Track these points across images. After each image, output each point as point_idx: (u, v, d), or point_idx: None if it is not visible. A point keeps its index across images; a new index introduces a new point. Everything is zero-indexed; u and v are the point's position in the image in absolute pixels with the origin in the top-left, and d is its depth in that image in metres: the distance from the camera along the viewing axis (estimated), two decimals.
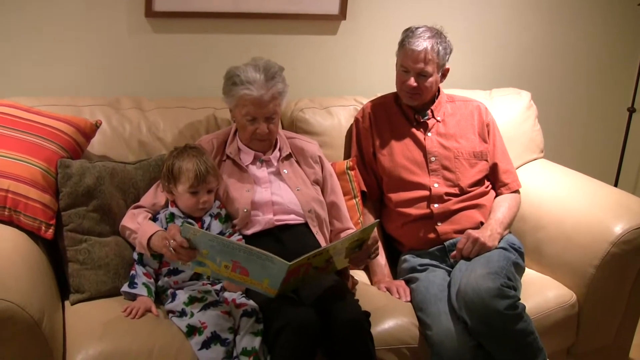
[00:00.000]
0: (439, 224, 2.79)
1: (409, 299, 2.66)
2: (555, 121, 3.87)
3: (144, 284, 2.44)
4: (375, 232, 2.44)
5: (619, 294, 2.82)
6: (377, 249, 2.51)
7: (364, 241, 2.41)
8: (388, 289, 2.71)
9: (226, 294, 2.42)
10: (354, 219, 2.86)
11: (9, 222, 2.43)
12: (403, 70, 2.84)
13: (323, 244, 2.64)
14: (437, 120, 2.91)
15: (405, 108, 2.93)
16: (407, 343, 2.48)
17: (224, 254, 2.17)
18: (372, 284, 2.80)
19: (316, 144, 2.87)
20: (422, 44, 2.77)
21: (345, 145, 3.07)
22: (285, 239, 2.56)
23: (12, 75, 2.93)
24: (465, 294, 2.42)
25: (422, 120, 2.90)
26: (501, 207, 2.85)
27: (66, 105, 2.78)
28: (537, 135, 3.39)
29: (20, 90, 2.84)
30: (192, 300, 2.37)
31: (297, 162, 2.76)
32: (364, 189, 2.94)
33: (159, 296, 2.49)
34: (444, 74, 2.88)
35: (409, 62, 2.80)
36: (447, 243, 2.78)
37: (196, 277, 2.49)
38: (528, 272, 2.85)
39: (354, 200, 2.91)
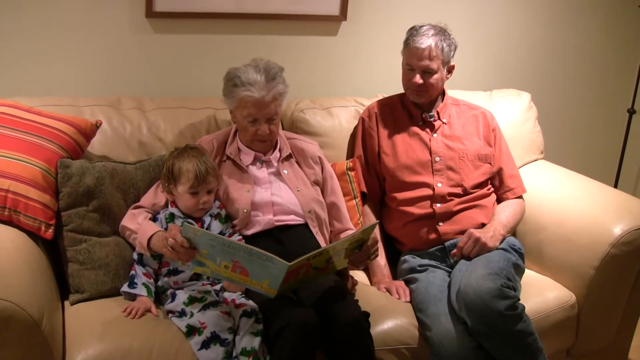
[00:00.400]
0: (441, 223, 2.79)
1: (408, 299, 2.66)
2: (555, 122, 3.87)
3: (143, 284, 2.44)
4: (375, 233, 2.44)
5: (618, 295, 2.82)
6: (377, 249, 2.51)
7: (364, 242, 2.41)
8: (388, 290, 2.71)
9: (226, 294, 2.42)
10: (353, 219, 2.86)
11: (9, 222, 2.43)
12: (409, 69, 2.86)
13: (323, 244, 2.64)
14: (443, 122, 2.92)
15: (412, 108, 2.93)
16: (407, 344, 2.48)
17: (224, 254, 2.17)
18: (371, 284, 2.81)
19: (316, 145, 2.88)
20: (426, 41, 2.79)
21: (348, 145, 3.08)
22: (285, 239, 2.56)
23: (13, 75, 2.93)
24: (465, 295, 2.42)
25: (429, 119, 2.90)
26: (506, 210, 2.85)
27: (66, 105, 2.78)
28: (537, 136, 3.39)
29: (21, 90, 2.84)
30: (191, 300, 2.38)
31: (297, 162, 2.77)
32: (364, 189, 2.94)
33: (159, 296, 2.49)
34: (450, 71, 2.89)
35: (414, 60, 2.82)
36: (447, 243, 2.78)
37: (196, 277, 2.49)
38: (528, 273, 2.85)
39: (354, 201, 2.91)
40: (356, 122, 3.07)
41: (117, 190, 2.59)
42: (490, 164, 2.91)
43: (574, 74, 3.96)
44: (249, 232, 2.58)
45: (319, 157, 2.82)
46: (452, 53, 2.86)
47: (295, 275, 2.20)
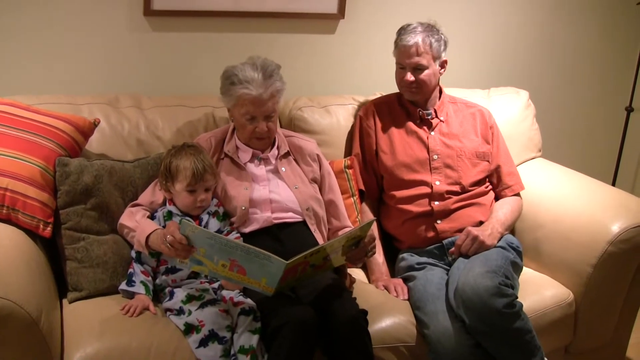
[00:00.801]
0: (439, 221, 2.79)
1: (406, 297, 2.66)
2: (553, 120, 3.87)
3: (142, 282, 2.44)
4: (372, 230, 2.45)
5: (616, 293, 2.82)
6: (374, 247, 2.51)
7: (361, 239, 2.41)
8: (386, 287, 2.71)
9: (224, 292, 2.43)
10: (351, 217, 2.86)
11: (7, 221, 2.43)
12: (400, 67, 2.89)
13: (321, 242, 2.64)
14: (441, 120, 2.92)
15: (409, 106, 2.94)
16: (405, 341, 2.49)
17: (221, 253, 2.17)
18: (370, 282, 2.81)
19: (314, 143, 2.88)
20: (414, 38, 2.81)
21: (346, 143, 3.08)
22: (283, 237, 2.57)
23: (11, 73, 2.93)
24: (463, 292, 2.42)
25: (426, 116, 2.90)
26: (503, 208, 2.86)
27: (65, 103, 2.78)
28: (535, 134, 3.39)
29: (19, 88, 2.83)
30: (189, 298, 2.38)
31: (296, 160, 2.77)
32: (362, 187, 2.95)
33: (157, 294, 2.49)
34: (443, 66, 2.90)
35: (404, 58, 2.85)
36: (445, 241, 2.78)
37: (194, 275, 2.49)
38: (526, 270, 2.85)
39: (351, 198, 2.91)
40: (354, 120, 3.07)
41: (115, 189, 2.59)
42: (488, 161, 2.92)
43: (572, 72, 3.96)
44: (247, 229, 2.59)
45: (317, 155, 2.82)
46: (442, 48, 2.86)
47: (293, 273, 2.21)
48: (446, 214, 2.81)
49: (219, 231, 2.54)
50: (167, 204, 2.55)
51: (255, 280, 2.20)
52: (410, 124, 2.92)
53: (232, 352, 2.26)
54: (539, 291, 2.74)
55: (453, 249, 2.73)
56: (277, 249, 2.32)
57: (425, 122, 2.93)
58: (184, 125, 2.91)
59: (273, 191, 2.65)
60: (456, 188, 2.84)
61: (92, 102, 2.84)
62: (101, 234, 2.55)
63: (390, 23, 2.93)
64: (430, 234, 2.80)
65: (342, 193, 2.86)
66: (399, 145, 2.90)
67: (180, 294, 2.41)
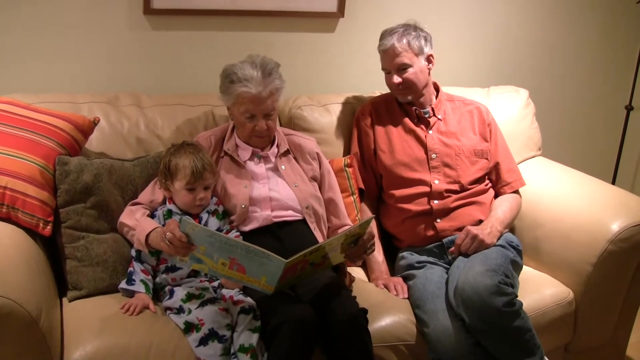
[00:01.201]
0: (438, 220, 2.79)
1: (406, 295, 2.66)
2: (553, 119, 3.87)
3: (141, 280, 2.44)
4: (371, 228, 2.45)
5: (616, 292, 2.82)
6: (373, 244, 2.51)
7: (360, 236, 2.41)
8: (386, 286, 2.71)
9: (224, 291, 2.43)
10: (351, 216, 2.86)
11: (7, 219, 2.43)
12: (386, 73, 2.92)
13: (321, 240, 2.64)
14: (438, 119, 2.92)
15: (406, 105, 2.94)
16: (405, 340, 2.49)
17: (221, 251, 2.17)
18: (369, 280, 2.81)
19: (314, 141, 2.88)
20: (389, 41, 2.84)
21: (345, 142, 3.08)
22: (283, 235, 2.57)
23: (11, 72, 2.93)
24: (463, 291, 2.42)
25: (423, 115, 2.90)
26: (502, 206, 2.86)
27: (64, 102, 2.78)
28: (534, 133, 3.39)
29: (19, 87, 2.84)
30: (189, 297, 2.38)
31: (295, 158, 2.77)
32: (362, 186, 2.95)
33: (157, 293, 2.49)
34: (429, 61, 2.90)
35: (385, 62, 2.89)
36: (445, 240, 2.78)
37: (194, 274, 2.49)
38: (526, 269, 2.85)
39: (351, 197, 2.91)
40: (354, 119, 3.07)
41: (115, 187, 2.59)
42: (486, 159, 2.92)
43: (571, 71, 3.96)
44: (247, 228, 2.59)
45: (317, 153, 2.82)
46: (423, 43, 2.86)
47: (292, 271, 2.21)
48: (445, 212, 2.81)
49: (219, 230, 2.54)
50: (167, 202, 2.55)
51: (255, 279, 2.20)
52: (409, 123, 2.92)
53: (232, 350, 2.26)
54: (539, 290, 2.73)
55: (453, 248, 2.73)
56: (276, 248, 2.32)
57: (423, 121, 2.93)
58: (183, 124, 2.91)
59: (273, 189, 2.65)
60: (455, 187, 2.84)
61: (92, 101, 2.84)
62: (101, 233, 2.55)
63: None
64: (430, 232, 2.80)
65: (342, 192, 2.86)
66: (398, 144, 2.90)
67: (180, 292, 2.41)
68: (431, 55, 2.90)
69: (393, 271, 2.84)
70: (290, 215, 2.63)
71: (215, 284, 2.48)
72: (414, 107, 2.92)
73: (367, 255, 2.66)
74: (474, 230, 2.69)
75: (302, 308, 2.27)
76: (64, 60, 3.00)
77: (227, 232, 2.56)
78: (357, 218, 2.90)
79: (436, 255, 2.78)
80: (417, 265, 2.74)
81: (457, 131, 2.92)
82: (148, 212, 2.54)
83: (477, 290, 2.39)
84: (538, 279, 2.83)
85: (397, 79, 2.85)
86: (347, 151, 3.06)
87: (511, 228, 2.92)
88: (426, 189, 2.82)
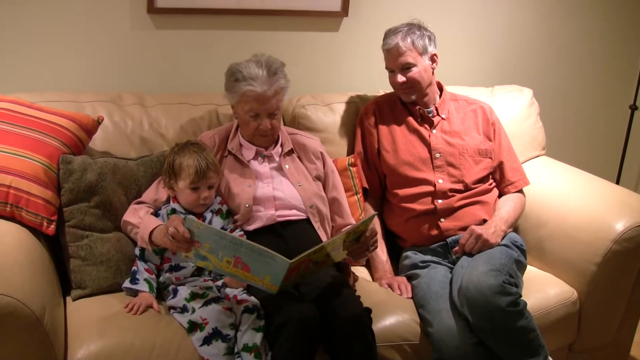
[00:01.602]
0: (442, 219, 2.79)
1: (410, 295, 2.66)
2: (557, 118, 3.86)
3: (145, 279, 2.44)
4: (374, 225, 2.44)
5: (620, 292, 2.82)
6: (376, 241, 2.50)
7: (362, 233, 2.40)
8: (389, 285, 2.71)
9: (227, 290, 2.43)
10: (355, 215, 2.86)
11: (11, 218, 2.43)
12: (390, 72, 2.91)
13: (324, 239, 2.64)
14: (442, 118, 2.92)
15: (410, 105, 2.94)
16: (408, 339, 2.49)
17: (226, 249, 2.17)
18: (373, 280, 2.81)
19: (318, 140, 2.88)
20: (393, 40, 2.84)
21: (349, 141, 3.08)
22: (287, 234, 2.56)
23: (14, 71, 2.94)
24: (467, 291, 2.42)
25: (427, 114, 2.90)
26: (506, 205, 2.86)
27: (68, 101, 2.78)
28: (539, 132, 3.39)
29: (22, 86, 2.84)
30: (193, 296, 2.37)
31: (299, 157, 2.77)
32: (366, 185, 2.94)
33: (161, 292, 2.49)
34: (433, 60, 2.90)
35: (389, 62, 2.88)
36: (449, 240, 2.78)
37: (197, 273, 2.49)
38: (529, 269, 2.85)
39: (355, 196, 2.91)
40: (357, 118, 3.07)
41: (118, 186, 2.59)
42: (490, 158, 2.91)
43: (576, 70, 3.96)
44: (251, 227, 2.58)
45: (321, 153, 2.82)
46: (427, 42, 2.86)
47: (296, 270, 2.21)
48: (450, 212, 2.80)
49: (223, 229, 2.54)
50: (171, 201, 2.55)
51: (259, 278, 2.20)
52: (412, 122, 2.92)
53: (235, 350, 2.26)
54: (543, 289, 2.73)
55: (457, 248, 2.72)
56: (280, 247, 2.32)
57: (426, 120, 2.92)
58: (187, 123, 2.91)
59: (277, 189, 2.65)
60: (459, 186, 2.84)
61: (96, 100, 2.84)
62: (105, 232, 2.55)
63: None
64: (434, 232, 2.79)
65: (346, 191, 2.86)
66: (401, 143, 2.90)
67: (183, 291, 2.40)
68: (435, 54, 2.90)
69: (397, 271, 2.84)
70: (294, 214, 2.63)
71: (219, 283, 2.48)
72: (418, 107, 2.92)
73: (370, 253, 2.64)
74: (478, 229, 2.69)
75: (305, 307, 2.27)
76: (67, 59, 3.00)
77: (231, 231, 2.56)
78: (360, 217, 2.89)
79: (440, 254, 2.78)
80: (421, 264, 2.74)
81: (460, 130, 2.91)
82: (152, 210, 2.54)
83: (481, 290, 2.38)
84: (542, 278, 2.82)
85: (401, 78, 2.85)
86: (350, 150, 3.05)
87: (515, 228, 2.92)
88: (430, 188, 2.82)
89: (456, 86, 3.18)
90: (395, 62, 2.85)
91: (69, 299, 2.46)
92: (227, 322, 2.28)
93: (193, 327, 2.28)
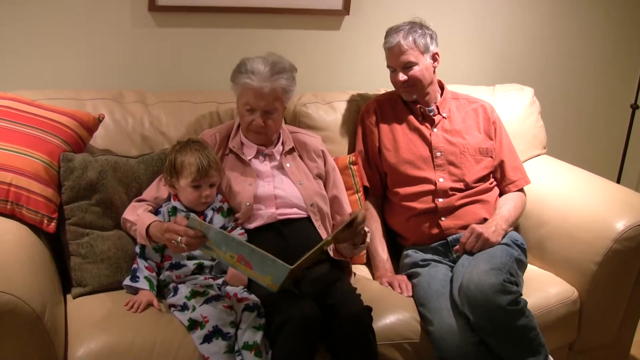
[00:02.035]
0: (443, 218, 2.79)
1: (410, 294, 2.66)
2: (558, 117, 3.87)
3: (146, 277, 2.44)
4: (363, 214, 2.43)
5: (620, 291, 2.81)
6: (366, 232, 2.51)
7: (352, 221, 2.38)
8: (390, 284, 2.71)
9: (228, 288, 2.42)
10: None
11: (12, 216, 2.43)
12: (391, 70, 2.91)
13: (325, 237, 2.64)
14: (443, 117, 2.92)
15: (411, 103, 2.94)
16: (409, 338, 2.49)
17: (229, 247, 2.19)
18: (374, 278, 2.81)
19: (319, 138, 2.88)
20: (395, 39, 2.84)
21: (350, 140, 3.08)
22: (288, 233, 2.56)
23: (15, 68, 2.94)
24: (467, 290, 2.42)
25: (428, 113, 2.90)
26: (507, 204, 2.86)
27: (69, 98, 2.78)
28: (540, 131, 3.39)
29: (23, 83, 2.84)
30: (194, 294, 2.37)
31: (300, 156, 2.77)
32: (367, 184, 2.94)
33: (161, 290, 2.49)
34: (434, 59, 2.90)
35: (391, 60, 2.88)
36: (450, 238, 2.78)
37: (198, 271, 2.49)
38: (530, 268, 2.84)
39: (356, 195, 2.91)
40: (358, 117, 3.07)
41: (119, 184, 2.59)
42: (491, 157, 2.91)
43: (577, 69, 3.96)
44: (252, 225, 2.58)
45: (322, 151, 2.82)
46: (429, 41, 2.86)
47: (296, 270, 2.21)
48: (450, 210, 2.80)
49: (224, 227, 2.55)
50: (172, 199, 2.55)
51: (261, 276, 2.21)
52: (413, 121, 2.92)
53: (236, 348, 2.26)
54: (544, 288, 2.73)
55: (457, 246, 2.72)
56: (281, 245, 2.33)
57: (427, 119, 2.92)
58: (188, 121, 2.91)
59: (278, 187, 2.65)
60: (460, 185, 2.84)
61: (97, 98, 2.84)
62: (105, 230, 2.55)
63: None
64: (435, 230, 2.79)
65: (347, 189, 2.86)
66: (402, 142, 2.90)
67: (184, 289, 2.40)
68: (436, 53, 2.90)
69: (397, 269, 2.84)
70: (295, 213, 2.63)
71: (220, 281, 2.48)
72: (419, 105, 2.92)
73: (359, 246, 2.58)
74: (479, 228, 2.69)
75: (306, 306, 2.27)
76: (68, 57, 3.00)
77: (232, 229, 2.56)
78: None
79: (441, 253, 2.78)
80: (421, 263, 2.74)
81: (461, 129, 2.91)
82: (150, 208, 2.54)
83: (482, 289, 2.38)
84: (543, 277, 2.83)
85: (402, 76, 2.85)
86: (351, 149, 3.05)
87: (516, 226, 2.92)
88: (431, 187, 2.82)
89: (457, 85, 3.18)
90: (396, 61, 2.85)
91: (69, 296, 2.46)
92: (227, 320, 2.28)
93: (193, 325, 2.28)
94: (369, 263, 2.88)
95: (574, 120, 4.05)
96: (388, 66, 2.91)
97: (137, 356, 2.21)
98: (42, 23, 2.91)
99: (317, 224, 2.65)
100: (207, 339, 2.25)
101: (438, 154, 2.86)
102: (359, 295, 2.42)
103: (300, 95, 3.11)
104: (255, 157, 2.69)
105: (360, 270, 2.80)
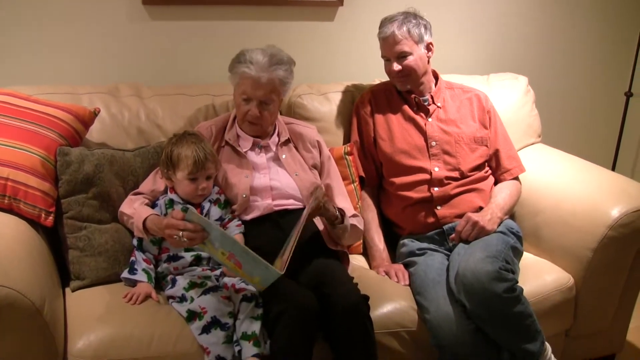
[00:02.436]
0: (439, 207, 2.80)
1: (407, 282, 2.67)
2: (552, 106, 3.87)
3: (143, 270, 2.45)
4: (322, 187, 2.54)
5: (616, 277, 2.82)
6: (334, 208, 2.58)
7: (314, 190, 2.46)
8: (387, 273, 2.72)
9: (226, 279, 2.43)
10: (352, 203, 2.86)
11: (9, 210, 2.44)
12: (386, 60, 2.91)
13: (321, 228, 2.65)
14: (438, 106, 2.93)
15: (405, 93, 2.94)
16: (406, 327, 2.50)
17: (223, 243, 2.19)
18: (370, 268, 2.82)
19: (314, 129, 2.88)
20: (389, 29, 2.84)
21: (345, 130, 3.08)
22: (284, 224, 2.57)
23: (11, 63, 2.94)
24: (464, 277, 2.43)
25: (422, 103, 2.91)
26: (502, 192, 2.87)
27: (65, 93, 2.78)
28: (534, 120, 3.39)
29: (19, 78, 2.84)
30: (192, 285, 2.38)
31: (296, 147, 2.77)
32: (362, 174, 2.95)
33: (159, 282, 2.50)
34: (429, 49, 2.90)
35: (385, 50, 2.88)
36: (446, 227, 2.79)
37: (196, 262, 2.50)
38: (526, 255, 2.85)
39: (352, 185, 2.92)
40: (353, 107, 3.07)
41: (116, 177, 2.59)
42: (486, 146, 2.92)
43: (571, 58, 3.96)
44: (248, 217, 2.59)
45: (317, 141, 2.83)
46: (423, 30, 2.86)
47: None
48: (446, 199, 2.81)
49: (221, 219, 2.56)
50: (169, 192, 2.55)
51: (249, 276, 2.23)
52: (408, 111, 2.93)
53: (234, 338, 2.28)
54: (540, 276, 2.74)
55: (453, 235, 2.74)
56: (277, 236, 2.34)
57: (422, 109, 2.93)
58: (184, 114, 2.91)
59: (273, 178, 2.65)
60: (455, 174, 2.84)
61: (92, 92, 2.85)
62: (102, 223, 2.55)
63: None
64: (431, 219, 2.80)
65: (343, 179, 2.87)
66: (397, 132, 2.90)
67: (182, 281, 2.41)
68: (431, 43, 2.90)
69: (394, 258, 2.85)
70: (291, 204, 2.64)
71: (217, 272, 2.49)
72: (413, 95, 2.92)
73: (337, 225, 2.61)
74: (474, 217, 2.70)
75: (304, 295, 2.28)
76: (63, 51, 3.00)
77: (229, 221, 2.57)
78: (357, 206, 2.90)
79: (437, 242, 2.79)
80: (418, 252, 2.75)
81: (456, 119, 2.92)
82: (147, 201, 2.55)
83: (478, 277, 2.40)
84: (538, 265, 2.83)
85: (396, 66, 2.85)
86: (347, 139, 3.06)
87: (511, 214, 2.93)
88: (426, 176, 2.83)
89: (452, 74, 3.18)
90: (391, 51, 2.86)
91: (68, 290, 2.47)
92: (225, 311, 2.29)
93: (192, 316, 2.29)
94: (366, 253, 2.89)
95: (569, 108, 4.06)
96: (382, 56, 2.91)
97: (136, 348, 2.22)
98: (36, 18, 2.91)
99: None
100: (205, 329, 2.26)
101: (433, 143, 2.87)
102: (357, 284, 2.43)
103: (295, 87, 3.10)
104: (251, 149, 2.70)
105: (357, 260, 2.82)
